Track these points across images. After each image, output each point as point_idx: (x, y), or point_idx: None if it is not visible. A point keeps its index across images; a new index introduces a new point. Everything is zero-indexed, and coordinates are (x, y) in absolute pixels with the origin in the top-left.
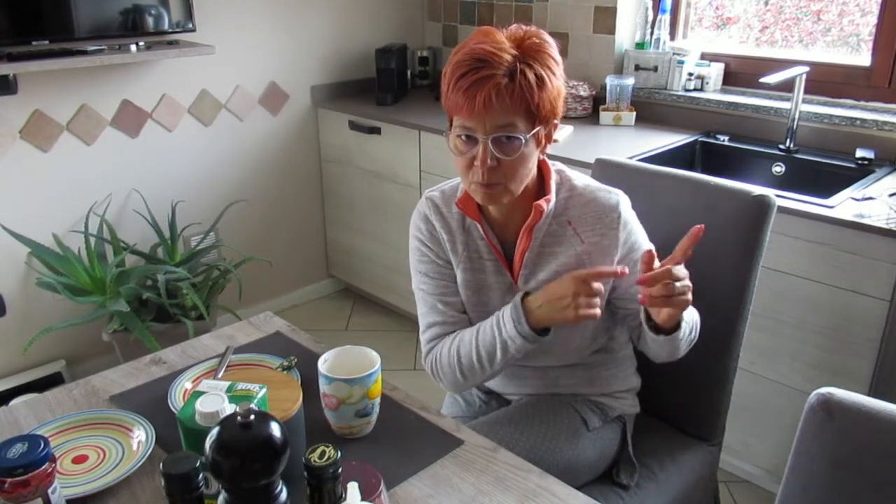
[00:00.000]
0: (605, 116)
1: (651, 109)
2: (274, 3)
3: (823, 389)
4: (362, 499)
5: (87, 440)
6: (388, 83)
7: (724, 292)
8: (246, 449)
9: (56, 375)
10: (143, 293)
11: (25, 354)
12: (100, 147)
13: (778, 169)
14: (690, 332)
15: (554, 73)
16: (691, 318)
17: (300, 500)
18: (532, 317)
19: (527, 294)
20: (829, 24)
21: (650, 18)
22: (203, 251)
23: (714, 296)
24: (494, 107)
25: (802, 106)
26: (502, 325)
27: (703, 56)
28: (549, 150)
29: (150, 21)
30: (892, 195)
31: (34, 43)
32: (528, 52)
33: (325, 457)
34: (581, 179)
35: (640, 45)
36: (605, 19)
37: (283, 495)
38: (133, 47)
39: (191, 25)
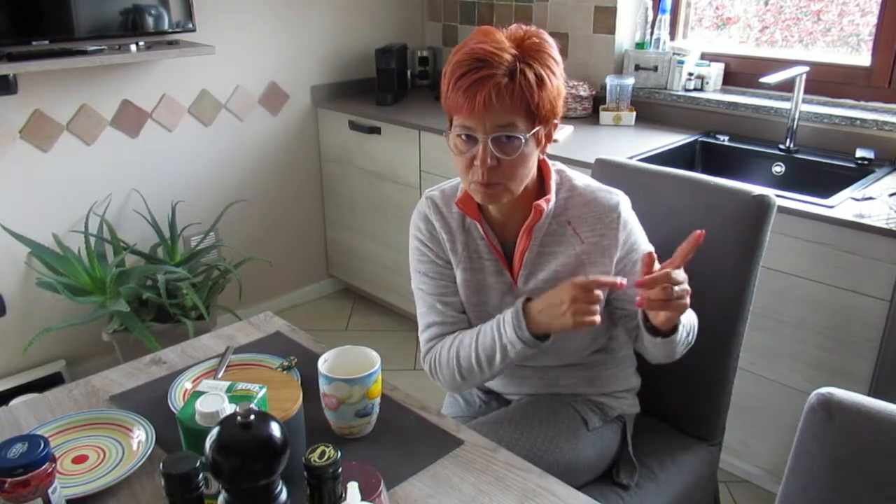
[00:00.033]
0: (605, 116)
1: (651, 109)
2: (274, 3)
3: (823, 389)
4: (362, 499)
5: (87, 440)
6: (388, 83)
7: (724, 292)
8: (246, 449)
9: (56, 375)
10: (143, 293)
11: (25, 354)
12: (100, 147)
13: (778, 169)
14: (688, 335)
15: (554, 73)
16: (689, 320)
17: (300, 500)
18: (533, 322)
19: (529, 299)
20: (829, 24)
21: (650, 18)
22: (203, 251)
23: (714, 296)
24: (494, 106)
25: (802, 106)
26: (503, 329)
27: (703, 56)
28: (549, 150)
29: (150, 21)
30: (892, 195)
31: (34, 43)
32: (528, 52)
33: (325, 457)
34: (581, 179)
35: (640, 45)
36: (605, 19)
37: (283, 495)
38: (133, 47)
39: (191, 25)
